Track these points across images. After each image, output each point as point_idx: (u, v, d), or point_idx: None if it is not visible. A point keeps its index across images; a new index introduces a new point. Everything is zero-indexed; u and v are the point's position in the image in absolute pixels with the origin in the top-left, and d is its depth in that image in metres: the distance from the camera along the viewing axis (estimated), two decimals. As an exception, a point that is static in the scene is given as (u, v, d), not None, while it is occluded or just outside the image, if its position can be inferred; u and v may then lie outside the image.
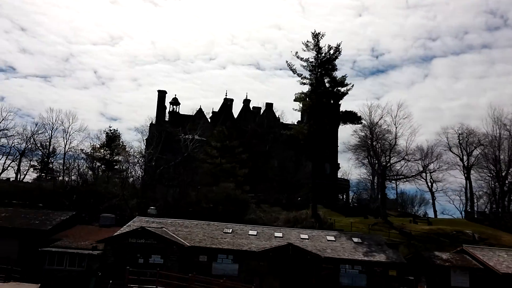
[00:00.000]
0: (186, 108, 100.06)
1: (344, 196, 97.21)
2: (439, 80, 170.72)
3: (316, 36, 47.21)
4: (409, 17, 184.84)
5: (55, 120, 71.03)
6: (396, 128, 67.00)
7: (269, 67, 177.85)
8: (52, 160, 73.28)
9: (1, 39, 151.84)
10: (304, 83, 48.39)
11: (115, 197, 46.06)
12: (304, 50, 48.08)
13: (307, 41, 47.73)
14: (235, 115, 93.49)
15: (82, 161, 72.83)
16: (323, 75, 48.19)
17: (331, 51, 46.61)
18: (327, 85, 48.63)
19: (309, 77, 48.10)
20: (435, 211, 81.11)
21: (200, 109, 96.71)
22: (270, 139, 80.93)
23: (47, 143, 71.66)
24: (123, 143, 71.49)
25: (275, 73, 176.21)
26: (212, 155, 58.66)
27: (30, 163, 72.01)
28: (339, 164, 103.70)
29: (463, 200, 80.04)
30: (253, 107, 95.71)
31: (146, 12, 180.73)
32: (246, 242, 33.04)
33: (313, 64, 47.76)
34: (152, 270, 27.90)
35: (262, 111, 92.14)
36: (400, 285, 31.55)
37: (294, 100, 49.96)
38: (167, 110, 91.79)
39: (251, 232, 35.33)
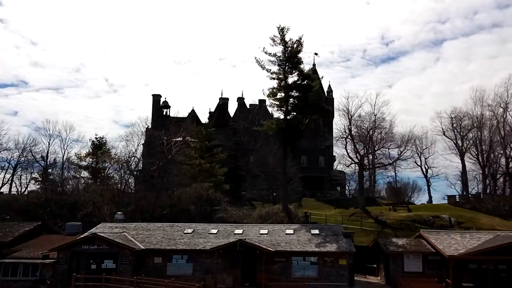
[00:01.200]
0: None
1: (339, 188, 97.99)
2: (450, 63, 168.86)
3: (281, 30, 47.44)
4: (418, 1, 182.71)
5: (52, 131, 72.95)
6: (375, 116, 67.61)
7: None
8: (53, 171, 74.97)
9: (12, 54, 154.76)
10: (273, 78, 48.63)
11: (92, 205, 47.10)
12: (272, 45, 48.33)
13: (274, 36, 47.95)
14: (232, 114, 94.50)
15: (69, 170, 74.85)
16: (292, 68, 48.40)
17: (295, 45, 46.80)
18: (295, 78, 48.80)
19: (277, 71, 48.37)
20: (430, 197, 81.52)
21: (193, 110, 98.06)
22: (261, 136, 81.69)
23: (45, 154, 73.42)
24: (108, 150, 72.57)
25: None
26: (191, 156, 59.48)
27: (31, 175, 73.84)
28: (334, 156, 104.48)
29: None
30: (250, 105, 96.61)
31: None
32: (203, 241, 33.74)
33: (281, 58, 47.99)
34: (106, 276, 28.77)
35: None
36: (351, 273, 32.10)
37: (267, 96, 50.34)
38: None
39: (211, 231, 36.01)
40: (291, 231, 35.68)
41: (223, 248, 31.22)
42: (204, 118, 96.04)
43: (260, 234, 35.26)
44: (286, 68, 47.80)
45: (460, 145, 74.47)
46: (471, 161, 73.76)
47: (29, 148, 70.45)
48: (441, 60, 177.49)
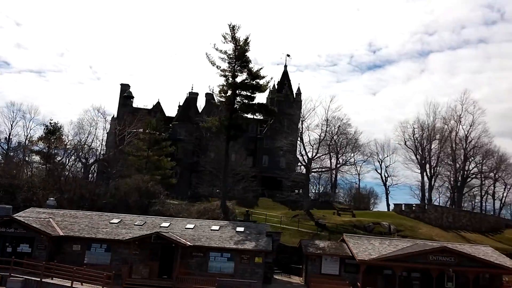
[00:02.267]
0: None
1: (301, 190, 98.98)
2: (435, 75, 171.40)
3: (232, 28, 47.79)
4: (407, 11, 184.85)
5: (15, 114, 71.95)
6: (327, 120, 68.82)
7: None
8: (15, 155, 73.99)
9: None
10: (222, 75, 48.95)
11: (28, 190, 46.69)
12: (223, 42, 48.63)
13: (225, 33, 48.29)
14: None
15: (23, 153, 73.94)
16: (241, 67, 48.78)
17: (242, 44, 47.19)
18: (245, 77, 49.20)
19: (226, 69, 48.70)
20: (388, 205, 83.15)
21: (158, 102, 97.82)
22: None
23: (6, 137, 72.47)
24: (61, 135, 71.79)
25: (272, 68, 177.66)
26: (139, 147, 59.40)
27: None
28: (298, 158, 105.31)
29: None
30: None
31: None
32: (125, 232, 33.90)
33: (231, 56, 48.33)
34: (15, 259, 28.75)
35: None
36: (267, 271, 32.79)
37: (218, 93, 50.58)
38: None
39: (137, 222, 36.24)
40: (216, 227, 36.12)
41: (139, 239, 31.45)
42: (173, 111, 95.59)
43: (185, 228, 35.62)
44: (236, 66, 48.16)
45: (420, 156, 76.42)
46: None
47: None
48: (426, 72, 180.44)
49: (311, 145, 65.73)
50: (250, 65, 48.51)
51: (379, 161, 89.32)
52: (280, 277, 39.16)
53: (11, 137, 76.99)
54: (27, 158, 69.27)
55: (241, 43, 46.98)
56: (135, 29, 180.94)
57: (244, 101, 48.20)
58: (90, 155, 66.06)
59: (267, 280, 34.37)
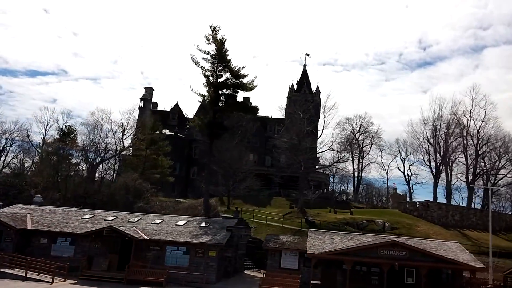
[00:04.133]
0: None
1: (323, 189, 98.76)
2: (490, 71, 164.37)
3: (214, 29, 48.74)
4: (459, 6, 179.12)
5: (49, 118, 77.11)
6: (325, 117, 68.67)
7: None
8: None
9: (54, 44, 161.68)
10: (206, 75, 49.92)
11: (20, 187, 49.65)
12: (207, 43, 49.66)
13: (208, 34, 49.31)
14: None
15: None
16: (224, 67, 49.66)
17: (218, 45, 48.02)
18: (227, 76, 50.00)
19: (209, 69, 49.71)
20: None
21: (176, 104, 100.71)
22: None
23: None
24: (76, 137, 75.33)
25: (318, 68, 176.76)
26: (138, 147, 61.50)
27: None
28: (319, 158, 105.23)
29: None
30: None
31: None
32: (90, 226, 35.47)
33: (213, 56, 49.30)
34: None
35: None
36: (222, 264, 33.48)
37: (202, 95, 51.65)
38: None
39: (109, 218, 37.85)
40: (182, 223, 37.15)
41: (95, 233, 32.91)
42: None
43: (152, 223, 36.88)
44: (218, 66, 49.06)
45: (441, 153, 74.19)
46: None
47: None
48: (480, 67, 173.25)
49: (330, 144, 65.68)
50: (232, 65, 49.16)
51: (401, 159, 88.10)
52: (251, 271, 39.73)
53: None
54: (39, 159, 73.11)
55: (218, 44, 47.74)
56: (182, 35, 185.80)
57: (227, 100, 48.86)
58: (97, 155, 68.78)
59: (226, 274, 35.07)
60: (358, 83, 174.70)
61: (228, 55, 49.01)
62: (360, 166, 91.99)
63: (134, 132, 64.55)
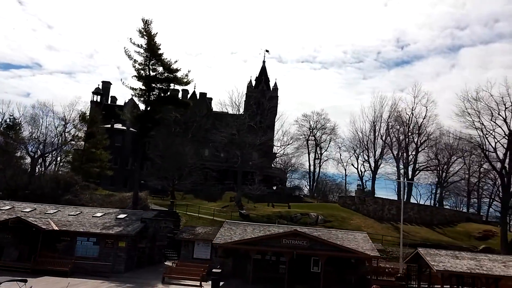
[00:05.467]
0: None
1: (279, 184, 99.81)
2: (466, 71, 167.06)
3: (146, 22, 48.83)
4: (437, 6, 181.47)
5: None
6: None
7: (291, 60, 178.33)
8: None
9: (28, 37, 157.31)
10: (138, 69, 49.97)
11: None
12: (140, 36, 49.69)
13: (141, 28, 49.32)
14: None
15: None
16: (157, 60, 49.82)
17: (151, 39, 48.18)
18: (160, 69, 50.21)
19: (142, 63, 49.81)
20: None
21: (131, 98, 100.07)
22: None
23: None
24: (20, 130, 74.30)
25: (297, 65, 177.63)
26: (76, 141, 61.29)
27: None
28: (275, 153, 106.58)
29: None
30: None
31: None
32: (4, 218, 35.38)
33: (145, 49, 49.40)
34: None
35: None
36: (132, 254, 34.03)
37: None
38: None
39: (26, 210, 37.77)
40: (99, 215, 37.43)
41: (3, 223, 32.93)
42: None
43: (69, 215, 37.02)
44: (150, 60, 49.26)
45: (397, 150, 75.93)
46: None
47: None
48: (456, 67, 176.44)
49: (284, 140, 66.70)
50: (166, 59, 49.43)
51: (355, 156, 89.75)
52: (169, 262, 40.24)
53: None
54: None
55: (152, 37, 47.92)
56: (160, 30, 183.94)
57: (158, 94, 49.15)
58: (37, 149, 68.06)
59: (140, 265, 35.56)
60: (336, 81, 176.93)
61: (160, 48, 49.25)
62: (318, 162, 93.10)
63: (74, 126, 64.23)
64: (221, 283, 30.80)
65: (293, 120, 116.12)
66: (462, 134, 55.00)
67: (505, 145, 48.52)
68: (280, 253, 32.35)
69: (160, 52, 49.37)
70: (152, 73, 49.37)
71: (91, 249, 33.56)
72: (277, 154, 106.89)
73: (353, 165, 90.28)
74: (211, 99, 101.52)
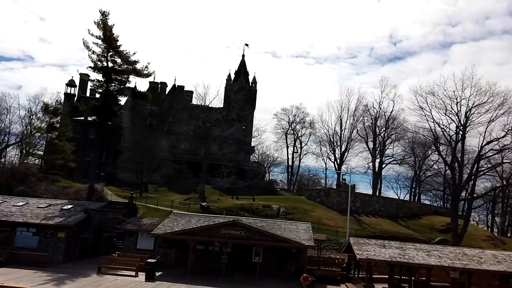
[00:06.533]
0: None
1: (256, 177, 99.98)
2: (457, 67, 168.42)
3: (103, 14, 48.52)
4: (430, 2, 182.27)
5: None
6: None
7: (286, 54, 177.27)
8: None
9: (20, 29, 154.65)
10: (96, 60, 49.68)
11: None
12: (97, 28, 49.32)
13: (99, 19, 48.94)
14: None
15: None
16: (116, 52, 49.55)
17: (105, 29, 47.92)
18: (118, 61, 49.95)
19: (100, 54, 49.51)
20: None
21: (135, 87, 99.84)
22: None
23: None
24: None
25: (291, 60, 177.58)
26: (42, 132, 60.83)
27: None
28: (253, 147, 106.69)
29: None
30: (186, 91, 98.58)
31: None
32: None
33: (103, 40, 49.10)
34: None
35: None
36: (72, 245, 34.03)
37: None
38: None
39: (-31, 200, 37.60)
40: (44, 205, 37.24)
41: None
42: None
43: (13, 206, 36.84)
44: (108, 51, 49.00)
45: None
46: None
47: None
48: (448, 63, 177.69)
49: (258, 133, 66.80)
50: (125, 51, 49.24)
51: (332, 150, 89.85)
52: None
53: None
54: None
55: (109, 29, 47.67)
56: (153, 22, 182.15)
57: (115, 86, 48.97)
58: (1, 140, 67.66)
59: (82, 256, 35.49)
60: (329, 76, 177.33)
61: (118, 40, 49.06)
62: (296, 156, 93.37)
63: (37, 118, 63.76)
64: (159, 273, 30.96)
65: (272, 113, 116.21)
66: (418, 128, 55.39)
67: (455, 138, 49.08)
68: (219, 243, 32.49)
69: (118, 43, 49.19)
70: (110, 65, 49.20)
71: (30, 239, 33.42)
72: (255, 148, 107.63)
73: (330, 159, 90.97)
74: (191, 92, 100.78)
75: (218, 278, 31.45)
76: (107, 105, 49.02)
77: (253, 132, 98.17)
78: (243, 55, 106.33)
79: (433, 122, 50.13)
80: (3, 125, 67.08)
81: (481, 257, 27.60)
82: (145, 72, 51.09)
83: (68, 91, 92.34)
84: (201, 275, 31.79)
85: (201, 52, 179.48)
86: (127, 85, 51.35)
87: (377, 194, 74.22)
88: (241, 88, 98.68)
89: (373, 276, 36.23)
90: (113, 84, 50.01)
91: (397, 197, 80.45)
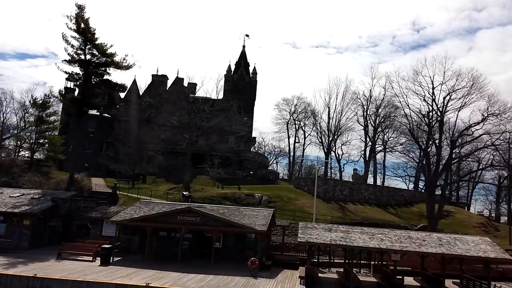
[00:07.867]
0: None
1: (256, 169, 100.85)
2: (484, 53, 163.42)
3: (80, 7, 49.58)
4: None
5: None
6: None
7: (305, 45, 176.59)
8: None
9: (43, 26, 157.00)
10: (74, 54, 50.74)
11: None
12: (73, 22, 50.23)
13: (75, 13, 49.89)
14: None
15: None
16: (93, 45, 50.56)
17: (80, 22, 48.86)
18: (95, 53, 50.95)
19: (77, 47, 50.56)
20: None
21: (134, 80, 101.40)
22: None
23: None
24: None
25: (310, 51, 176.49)
26: (28, 125, 62.53)
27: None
28: (255, 138, 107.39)
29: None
30: (190, 83, 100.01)
31: None
32: None
33: (80, 33, 50.08)
34: None
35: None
36: (38, 232, 35.25)
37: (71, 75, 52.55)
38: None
39: None
40: (17, 195, 38.71)
41: None
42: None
43: (-12, 195, 38.34)
44: (86, 45, 50.03)
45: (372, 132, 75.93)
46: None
47: None
48: (474, 49, 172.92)
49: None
50: (102, 44, 50.17)
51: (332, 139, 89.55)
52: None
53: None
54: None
55: (84, 22, 48.64)
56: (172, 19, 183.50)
57: (94, 78, 50.04)
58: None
59: (49, 243, 36.77)
60: (351, 66, 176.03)
61: (95, 33, 50.03)
62: (299, 146, 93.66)
63: (26, 112, 65.46)
64: (118, 259, 31.98)
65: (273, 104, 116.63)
66: (399, 113, 55.18)
67: (431, 124, 48.83)
68: (176, 229, 33.34)
69: (95, 36, 50.16)
70: (88, 57, 50.25)
71: (-2, 226, 34.86)
72: (256, 139, 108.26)
73: (324, 147, 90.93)
74: (195, 84, 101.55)
75: (175, 263, 32.31)
76: (85, 98, 50.13)
77: (253, 122, 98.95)
78: (244, 46, 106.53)
79: (408, 109, 49.87)
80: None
81: (424, 240, 27.87)
82: (125, 64, 52.11)
83: (68, 86, 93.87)
84: (160, 260, 32.71)
85: (217, 45, 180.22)
86: (107, 77, 52.40)
87: (380, 183, 74.14)
88: (241, 79, 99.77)
89: (335, 260, 36.99)
90: (92, 77, 51.11)
91: (387, 185, 79.90)
